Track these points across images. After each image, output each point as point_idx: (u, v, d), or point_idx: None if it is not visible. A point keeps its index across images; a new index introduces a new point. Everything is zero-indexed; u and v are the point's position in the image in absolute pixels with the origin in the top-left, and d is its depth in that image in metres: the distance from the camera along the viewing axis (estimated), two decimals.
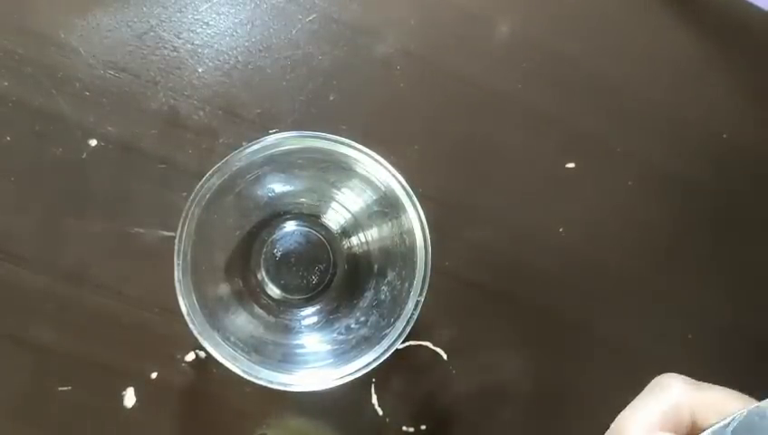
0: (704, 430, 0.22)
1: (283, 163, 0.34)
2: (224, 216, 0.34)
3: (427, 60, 0.41)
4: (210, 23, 0.40)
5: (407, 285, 0.32)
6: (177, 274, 0.31)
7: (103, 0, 0.39)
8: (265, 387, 0.31)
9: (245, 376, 0.31)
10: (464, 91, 0.41)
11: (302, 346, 0.36)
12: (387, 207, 0.33)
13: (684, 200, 0.43)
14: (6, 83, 0.38)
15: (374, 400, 0.38)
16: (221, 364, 0.31)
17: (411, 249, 0.32)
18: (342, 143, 0.32)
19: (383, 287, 0.36)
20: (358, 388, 0.38)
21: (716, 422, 0.22)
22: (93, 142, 0.38)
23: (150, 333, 0.37)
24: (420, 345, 0.39)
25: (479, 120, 0.41)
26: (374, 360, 0.31)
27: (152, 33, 0.39)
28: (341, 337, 0.36)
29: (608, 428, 0.24)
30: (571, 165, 0.41)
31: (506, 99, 0.41)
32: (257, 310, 0.36)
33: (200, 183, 0.31)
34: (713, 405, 0.23)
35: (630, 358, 0.41)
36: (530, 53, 0.42)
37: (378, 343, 0.32)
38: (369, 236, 0.37)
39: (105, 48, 0.39)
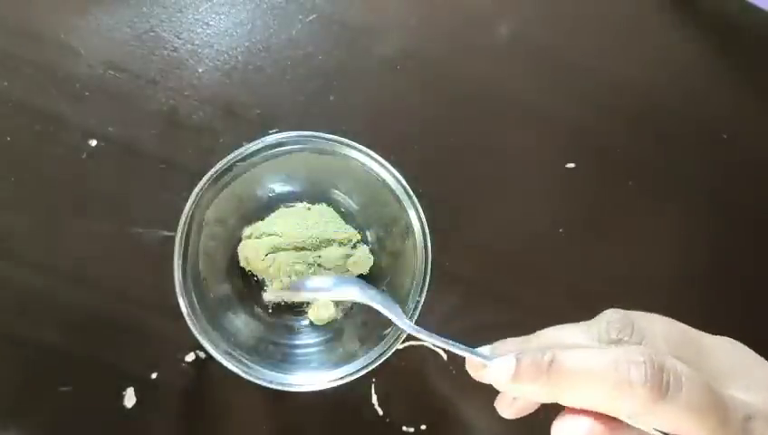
0: None
1: (283, 163, 0.34)
2: (224, 216, 0.34)
3: (426, 60, 0.41)
4: (210, 23, 0.40)
5: (407, 284, 0.32)
6: (177, 274, 0.31)
7: (103, 0, 0.39)
8: (265, 387, 0.31)
9: (245, 376, 0.31)
10: (464, 91, 0.41)
11: (302, 346, 0.36)
12: (387, 207, 0.33)
13: (683, 199, 0.43)
14: (6, 83, 0.38)
15: (374, 400, 0.38)
16: (221, 364, 0.31)
17: (411, 249, 0.32)
18: (342, 143, 0.32)
19: (383, 288, 0.36)
20: (358, 388, 0.38)
21: None
22: (93, 142, 0.38)
23: (150, 333, 0.37)
24: (420, 345, 0.39)
25: (479, 119, 0.41)
26: (374, 360, 0.31)
27: (152, 33, 0.39)
28: (341, 337, 0.36)
29: None
30: (571, 165, 0.41)
31: (506, 99, 0.41)
32: (257, 310, 0.36)
33: (200, 183, 0.31)
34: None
35: None
36: (530, 53, 0.42)
37: (378, 343, 0.32)
38: (369, 237, 0.37)
39: (105, 48, 0.39)
